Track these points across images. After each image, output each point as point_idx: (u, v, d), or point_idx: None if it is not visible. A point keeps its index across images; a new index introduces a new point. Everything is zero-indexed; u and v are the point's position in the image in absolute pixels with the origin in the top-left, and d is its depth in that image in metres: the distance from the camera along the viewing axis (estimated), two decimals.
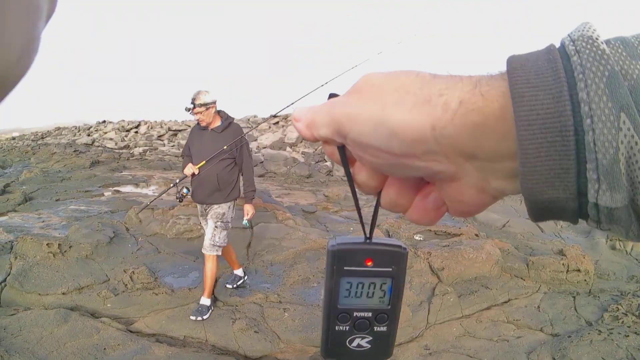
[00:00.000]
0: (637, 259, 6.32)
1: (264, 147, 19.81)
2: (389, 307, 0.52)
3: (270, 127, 24.14)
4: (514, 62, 0.33)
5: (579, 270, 5.16)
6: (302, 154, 18.29)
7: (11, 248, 5.51)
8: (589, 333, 3.95)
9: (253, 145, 20.87)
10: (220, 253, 4.45)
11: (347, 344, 0.53)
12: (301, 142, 20.90)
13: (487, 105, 0.33)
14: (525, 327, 4.33)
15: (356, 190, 0.47)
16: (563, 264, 5.20)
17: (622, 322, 4.15)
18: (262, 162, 16.20)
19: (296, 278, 5.19)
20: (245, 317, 4.32)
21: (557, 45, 0.33)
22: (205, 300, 4.41)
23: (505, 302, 4.84)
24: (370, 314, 0.52)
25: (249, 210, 4.55)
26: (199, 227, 6.78)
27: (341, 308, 0.51)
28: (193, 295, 4.78)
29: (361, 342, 0.53)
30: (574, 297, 4.82)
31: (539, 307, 4.68)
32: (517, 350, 3.90)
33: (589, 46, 0.31)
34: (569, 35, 0.33)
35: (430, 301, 4.69)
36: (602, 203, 0.30)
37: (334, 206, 10.13)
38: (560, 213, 0.33)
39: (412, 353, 3.91)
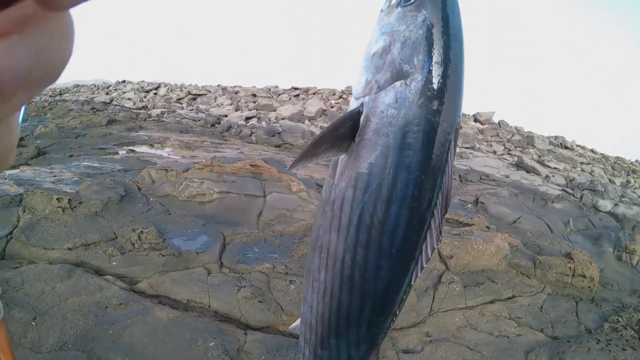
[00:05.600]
0: None
1: (283, 119, 19.78)
2: None
3: (290, 99, 24.04)
4: None
5: (584, 276, 5.19)
6: (320, 128, 18.24)
7: (20, 201, 5.33)
8: (587, 341, 4.01)
9: (272, 115, 20.85)
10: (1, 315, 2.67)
11: None
12: (320, 116, 20.80)
13: None
14: (527, 325, 4.40)
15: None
16: (569, 268, 5.23)
17: (621, 334, 4.19)
18: (279, 132, 16.21)
19: (305, 251, 5.16)
20: (250, 286, 4.29)
21: None
22: None
23: (509, 298, 4.90)
24: None
25: None
26: (212, 191, 6.77)
27: None
28: (200, 259, 4.75)
29: None
30: (577, 302, 4.87)
31: (541, 307, 4.74)
32: (516, 348, 3.97)
33: None
34: None
35: (436, 288, 4.74)
36: None
37: None
38: None
39: (413, 338, 3.99)
